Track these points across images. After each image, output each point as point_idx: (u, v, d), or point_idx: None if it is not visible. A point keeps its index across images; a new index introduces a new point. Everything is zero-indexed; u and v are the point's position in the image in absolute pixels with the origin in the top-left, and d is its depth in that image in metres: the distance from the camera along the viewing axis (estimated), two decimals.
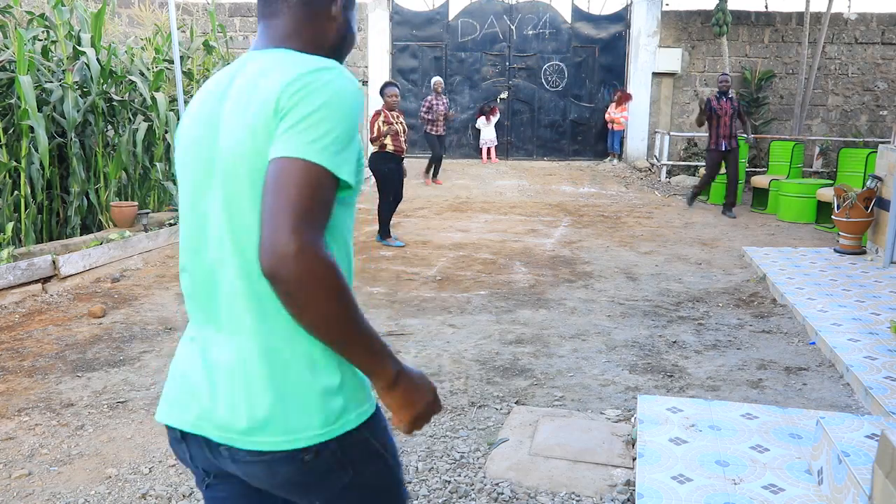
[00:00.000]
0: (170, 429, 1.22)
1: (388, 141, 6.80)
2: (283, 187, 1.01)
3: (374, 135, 6.85)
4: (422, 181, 10.77)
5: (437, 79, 10.65)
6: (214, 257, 1.15)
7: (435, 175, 10.88)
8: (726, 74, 8.92)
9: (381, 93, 6.97)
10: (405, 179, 7.29)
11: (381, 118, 6.85)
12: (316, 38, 1.22)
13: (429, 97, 10.49)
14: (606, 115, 12.56)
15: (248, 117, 1.08)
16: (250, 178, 1.08)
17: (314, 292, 0.99)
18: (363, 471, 1.17)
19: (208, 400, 1.14)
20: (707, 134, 9.19)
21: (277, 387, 1.10)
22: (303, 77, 1.08)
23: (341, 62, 1.25)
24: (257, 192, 1.07)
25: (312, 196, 1.01)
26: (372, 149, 7.01)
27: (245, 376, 1.11)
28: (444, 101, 10.52)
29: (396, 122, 6.89)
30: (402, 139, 6.94)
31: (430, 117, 10.40)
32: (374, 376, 1.11)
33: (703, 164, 11.64)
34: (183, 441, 1.20)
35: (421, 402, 1.15)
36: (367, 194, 10.76)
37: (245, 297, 1.12)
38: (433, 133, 10.50)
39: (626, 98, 12.42)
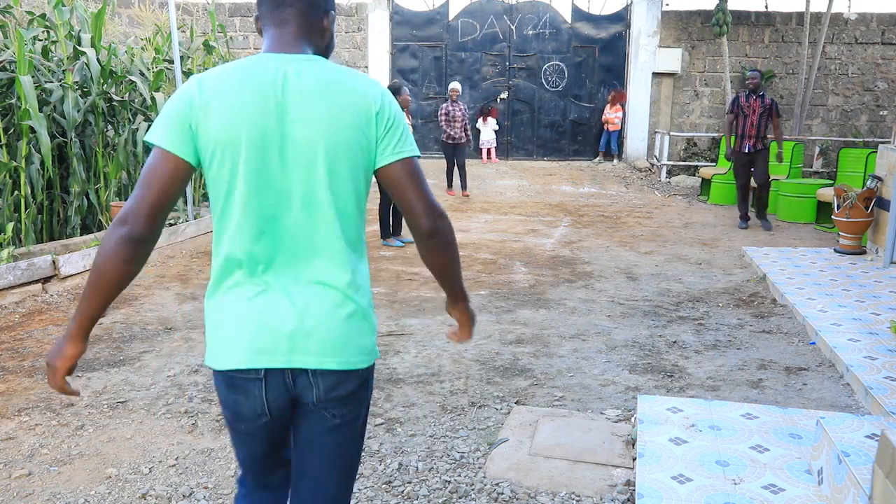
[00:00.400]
0: (241, 372, 1.48)
1: None
2: (418, 175, 1.51)
3: None
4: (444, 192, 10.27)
5: (453, 85, 10.16)
6: (301, 223, 1.45)
7: (462, 186, 10.29)
8: (756, 71, 8.11)
9: (395, 94, 6.85)
10: None
11: None
12: (318, 45, 1.59)
13: (444, 104, 10.01)
14: (603, 116, 12.60)
15: (350, 118, 1.45)
16: (348, 159, 1.46)
17: (454, 239, 1.58)
18: (369, 390, 1.64)
19: (302, 338, 1.46)
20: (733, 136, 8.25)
21: (359, 321, 1.52)
22: (384, 95, 1.51)
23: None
24: (352, 169, 1.47)
25: (423, 176, 1.55)
26: None
27: (337, 315, 1.49)
28: (461, 107, 9.93)
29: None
30: None
31: (445, 125, 9.87)
32: (462, 295, 1.74)
33: (704, 164, 11.66)
34: (261, 380, 1.48)
35: (474, 319, 1.84)
36: (368, 195, 10.75)
37: (341, 252, 1.48)
38: (448, 142, 9.94)
39: (620, 97, 12.38)
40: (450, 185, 10.35)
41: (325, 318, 1.48)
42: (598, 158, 12.67)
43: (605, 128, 12.59)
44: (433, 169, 10.90)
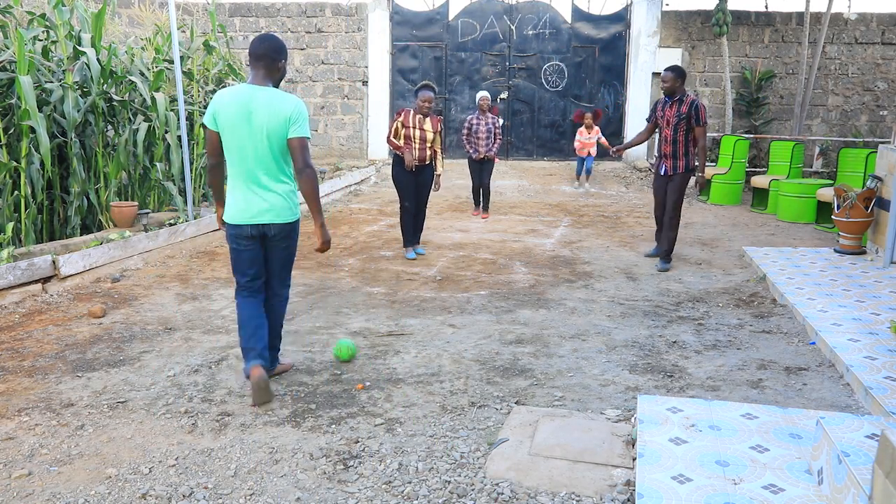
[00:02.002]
0: (240, 226, 3.38)
1: (401, 143, 6.45)
2: (302, 146, 3.31)
3: (390, 133, 6.51)
4: (470, 213, 9.26)
5: (482, 94, 9.00)
6: (254, 162, 3.32)
7: (484, 207, 9.11)
8: (669, 70, 6.16)
9: (416, 93, 6.45)
10: (434, 192, 6.74)
11: (401, 119, 6.43)
12: (275, 79, 3.38)
13: (470, 116, 8.97)
14: (575, 143, 11.19)
15: (279, 118, 3.28)
16: (278, 137, 3.30)
17: (313, 182, 3.32)
18: (296, 233, 3.53)
19: (267, 210, 3.36)
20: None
21: (288, 203, 3.42)
22: (296, 106, 3.31)
23: (278, 83, 3.43)
24: (279, 139, 3.30)
25: (308, 147, 3.32)
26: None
27: (281, 201, 3.38)
28: (490, 120, 8.85)
29: (416, 128, 6.36)
30: (415, 146, 6.40)
31: (470, 140, 8.87)
32: (316, 217, 3.41)
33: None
34: (247, 228, 3.37)
35: (327, 237, 3.45)
36: (368, 195, 10.76)
37: (276, 175, 3.37)
38: (474, 158, 8.87)
39: (597, 118, 11.14)
40: (476, 204, 9.22)
41: (272, 203, 3.38)
42: (577, 184, 11.30)
43: (579, 154, 11.15)
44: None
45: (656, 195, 6.46)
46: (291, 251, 3.56)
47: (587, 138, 10.98)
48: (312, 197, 3.34)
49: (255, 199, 3.34)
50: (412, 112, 6.44)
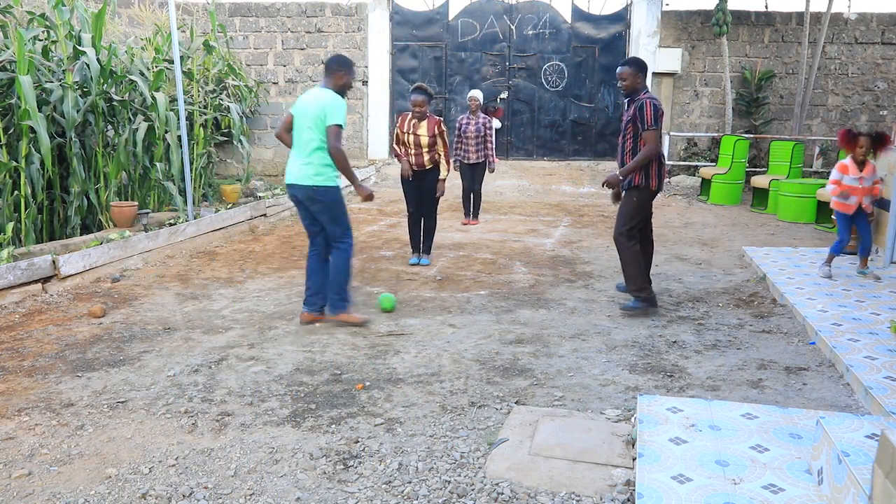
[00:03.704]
0: (289, 185, 4.57)
1: (401, 150, 6.29)
2: (332, 132, 4.37)
3: (393, 140, 6.40)
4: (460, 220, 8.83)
5: (472, 93, 8.55)
6: (306, 139, 4.44)
7: (474, 214, 8.68)
8: (624, 65, 4.86)
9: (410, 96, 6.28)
10: (439, 196, 6.41)
11: (398, 124, 6.30)
12: (336, 86, 4.54)
13: (460, 117, 8.54)
14: (830, 187, 5.68)
15: (320, 110, 4.40)
16: (319, 122, 4.40)
17: (339, 157, 4.41)
18: (333, 198, 4.53)
19: (303, 175, 4.46)
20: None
21: (317, 172, 4.46)
22: (333, 100, 4.42)
23: (344, 95, 4.56)
24: (320, 125, 4.40)
25: (338, 133, 4.39)
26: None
27: (314, 168, 4.45)
28: (481, 120, 8.42)
29: (411, 133, 6.17)
30: (411, 152, 6.20)
31: (457, 141, 8.44)
32: (353, 182, 4.58)
33: (704, 164, 11.67)
34: (289, 188, 4.58)
35: (365, 192, 4.65)
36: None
37: (317, 150, 4.44)
38: (465, 161, 8.48)
39: (885, 144, 5.98)
40: (466, 212, 8.72)
41: (306, 170, 4.44)
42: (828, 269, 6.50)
43: (838, 208, 5.97)
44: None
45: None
46: (328, 210, 4.51)
47: (858, 180, 5.55)
48: (342, 168, 4.45)
49: (295, 166, 4.50)
50: (409, 117, 6.23)
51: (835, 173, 5.60)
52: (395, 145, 6.39)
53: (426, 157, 6.22)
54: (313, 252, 4.68)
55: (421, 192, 6.37)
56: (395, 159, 6.51)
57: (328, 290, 4.61)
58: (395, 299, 4.98)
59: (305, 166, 4.43)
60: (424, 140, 6.16)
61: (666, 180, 4.75)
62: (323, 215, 4.53)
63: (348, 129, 12.84)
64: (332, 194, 4.50)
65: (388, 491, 2.66)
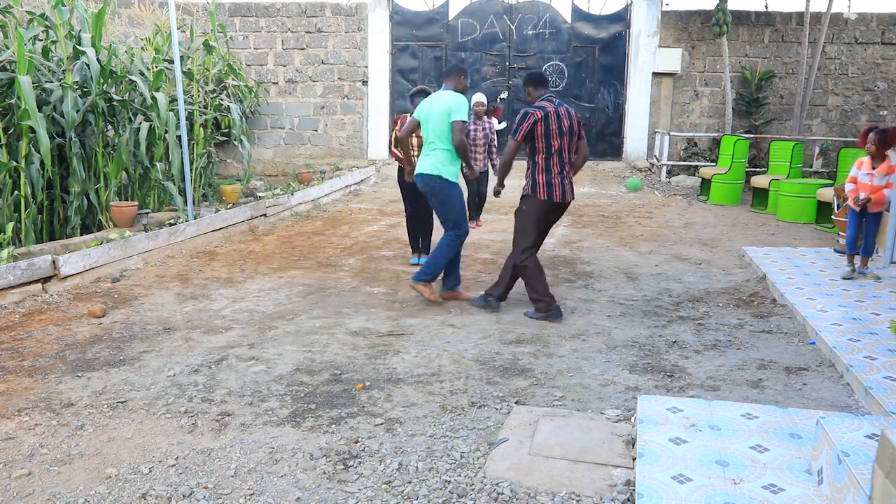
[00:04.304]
0: (416, 175, 5.17)
1: (401, 153, 6.09)
2: (455, 127, 4.91)
3: (390, 143, 6.35)
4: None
5: (478, 97, 8.09)
6: (432, 137, 5.05)
7: (477, 215, 8.53)
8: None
9: (413, 98, 6.06)
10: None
11: (398, 126, 6.25)
12: (456, 88, 5.06)
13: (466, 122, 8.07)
14: (848, 185, 5.69)
15: (446, 106, 4.94)
16: (444, 120, 4.95)
17: (461, 147, 4.96)
18: (448, 192, 5.09)
19: (427, 166, 5.05)
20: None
21: (437, 166, 5.03)
22: (457, 100, 4.95)
23: (465, 94, 5.08)
24: (445, 123, 4.95)
25: (463, 128, 4.93)
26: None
27: (435, 160, 5.02)
28: (487, 125, 8.10)
29: (413, 135, 5.94)
30: (414, 154, 5.98)
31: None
32: (467, 165, 5.32)
33: (704, 164, 11.67)
34: (417, 178, 5.16)
35: (471, 169, 5.61)
36: (368, 195, 10.76)
37: (440, 146, 5.03)
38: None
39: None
40: (471, 216, 8.26)
41: (430, 163, 5.03)
42: (847, 266, 5.79)
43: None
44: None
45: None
46: (438, 199, 5.07)
47: (868, 176, 5.49)
48: (462, 155, 5.00)
49: (424, 159, 5.07)
50: (408, 118, 6.08)
51: (852, 169, 5.62)
52: (392, 148, 6.40)
53: None
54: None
55: (419, 192, 6.29)
56: (396, 161, 6.39)
57: (426, 262, 5.15)
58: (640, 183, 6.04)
59: (429, 159, 5.03)
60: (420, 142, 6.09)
61: (565, 193, 4.75)
62: (438, 206, 5.12)
63: (348, 129, 12.85)
64: (449, 188, 5.03)
65: (388, 491, 2.66)
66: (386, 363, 3.96)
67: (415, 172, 5.15)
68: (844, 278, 5.52)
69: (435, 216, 6.47)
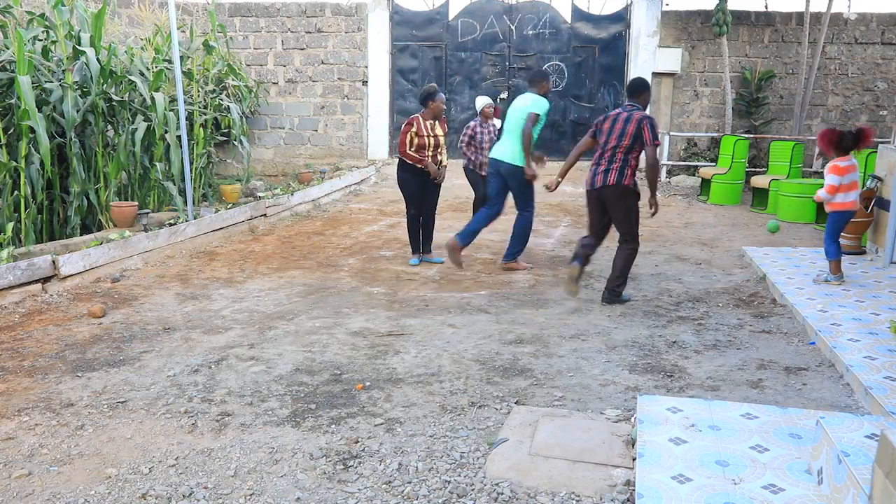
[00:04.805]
0: (494, 160, 6.16)
1: (416, 154, 6.15)
2: (532, 117, 5.92)
3: (403, 146, 6.18)
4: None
5: (483, 100, 7.63)
6: (513, 128, 6.03)
7: None
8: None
9: (429, 99, 6.18)
10: (439, 182, 6.37)
11: (414, 128, 6.12)
12: (536, 91, 6.07)
13: (472, 123, 7.49)
14: (825, 190, 5.64)
15: (527, 104, 5.99)
16: (522, 115, 5.95)
17: (528, 139, 5.96)
18: (506, 169, 6.17)
19: (507, 153, 6.06)
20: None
21: (513, 153, 6.03)
22: (534, 101, 6.00)
23: (546, 96, 6.11)
24: (522, 118, 5.93)
25: (536, 119, 5.97)
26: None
27: (511, 149, 6.04)
28: (492, 127, 7.66)
29: (430, 135, 6.15)
30: (428, 153, 6.15)
31: (471, 149, 7.42)
32: (528, 160, 6.05)
33: (704, 164, 11.66)
34: (497, 164, 6.13)
35: (531, 173, 6.08)
36: (368, 195, 10.76)
37: (514, 137, 6.03)
38: (478, 171, 7.49)
39: (864, 141, 5.83)
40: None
41: (507, 151, 6.06)
42: (826, 273, 5.84)
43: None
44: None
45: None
46: (514, 182, 6.06)
47: (838, 178, 5.56)
48: (526, 146, 5.87)
49: (502, 146, 6.10)
50: (421, 119, 6.16)
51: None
52: (408, 151, 6.14)
53: (441, 157, 6.38)
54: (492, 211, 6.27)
55: (425, 191, 6.36)
56: (403, 158, 6.27)
57: (510, 244, 6.25)
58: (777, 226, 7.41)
59: (508, 149, 5.98)
60: (442, 140, 6.35)
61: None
62: (515, 188, 6.07)
63: (348, 129, 12.85)
64: (511, 171, 6.02)
65: (388, 491, 2.66)
66: (386, 363, 3.96)
67: (492, 156, 6.15)
68: (814, 281, 5.40)
69: (434, 217, 6.58)
